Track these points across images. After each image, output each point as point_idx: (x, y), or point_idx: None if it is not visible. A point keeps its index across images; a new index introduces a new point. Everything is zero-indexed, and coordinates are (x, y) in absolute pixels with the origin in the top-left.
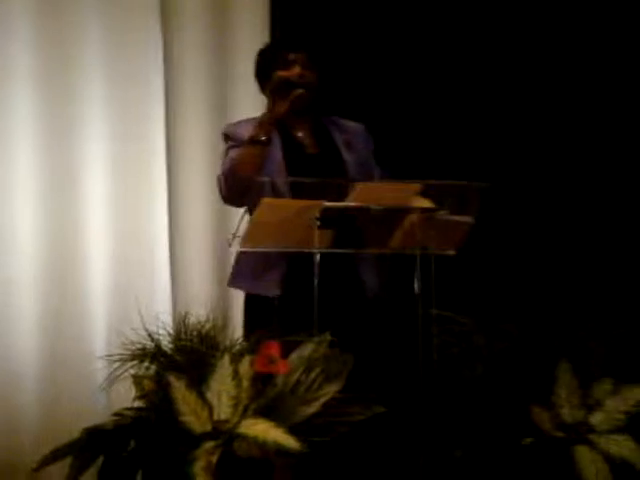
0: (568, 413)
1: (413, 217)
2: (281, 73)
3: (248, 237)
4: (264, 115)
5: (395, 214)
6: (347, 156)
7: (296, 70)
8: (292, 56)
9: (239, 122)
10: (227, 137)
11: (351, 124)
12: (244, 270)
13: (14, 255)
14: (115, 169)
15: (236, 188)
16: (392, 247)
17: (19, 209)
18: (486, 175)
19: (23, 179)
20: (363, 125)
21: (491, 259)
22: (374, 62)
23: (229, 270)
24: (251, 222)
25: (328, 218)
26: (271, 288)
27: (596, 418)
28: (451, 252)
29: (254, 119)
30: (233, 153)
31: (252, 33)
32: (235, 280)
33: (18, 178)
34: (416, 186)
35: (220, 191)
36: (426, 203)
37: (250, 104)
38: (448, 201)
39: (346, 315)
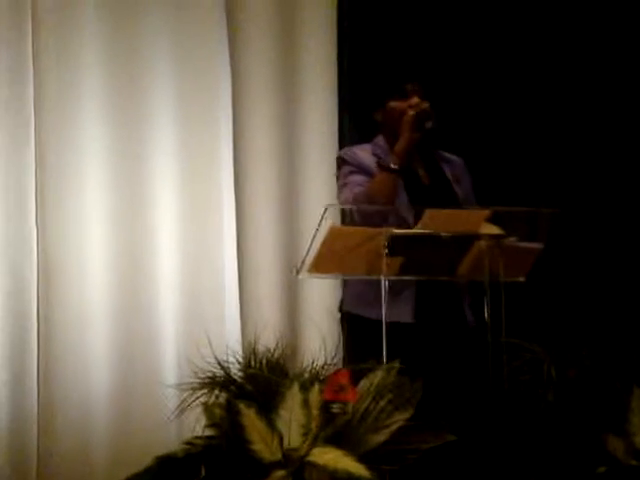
0: None
1: (482, 244)
2: (415, 102)
3: (315, 264)
4: (397, 144)
5: (464, 241)
6: (457, 189)
7: (414, 100)
8: (410, 86)
9: (354, 147)
10: (344, 161)
11: (454, 157)
12: (367, 296)
13: (85, 292)
14: (183, 183)
15: (370, 215)
16: (460, 274)
17: (89, 243)
18: (556, 201)
19: (93, 208)
20: (462, 158)
21: (562, 285)
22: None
23: (297, 295)
24: (318, 249)
25: (396, 245)
26: (404, 315)
27: None
28: (521, 279)
29: (367, 145)
30: (359, 179)
31: (318, 51)
32: (357, 306)
33: (88, 207)
34: (485, 212)
35: (350, 216)
36: (495, 230)
37: (316, 118)
38: (517, 227)
39: (448, 345)
